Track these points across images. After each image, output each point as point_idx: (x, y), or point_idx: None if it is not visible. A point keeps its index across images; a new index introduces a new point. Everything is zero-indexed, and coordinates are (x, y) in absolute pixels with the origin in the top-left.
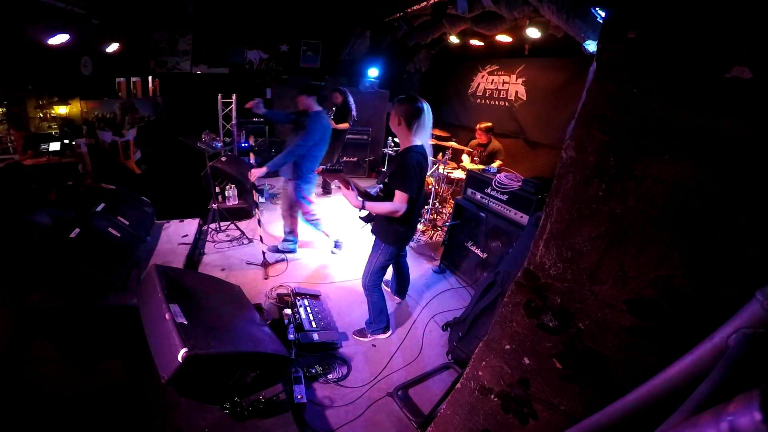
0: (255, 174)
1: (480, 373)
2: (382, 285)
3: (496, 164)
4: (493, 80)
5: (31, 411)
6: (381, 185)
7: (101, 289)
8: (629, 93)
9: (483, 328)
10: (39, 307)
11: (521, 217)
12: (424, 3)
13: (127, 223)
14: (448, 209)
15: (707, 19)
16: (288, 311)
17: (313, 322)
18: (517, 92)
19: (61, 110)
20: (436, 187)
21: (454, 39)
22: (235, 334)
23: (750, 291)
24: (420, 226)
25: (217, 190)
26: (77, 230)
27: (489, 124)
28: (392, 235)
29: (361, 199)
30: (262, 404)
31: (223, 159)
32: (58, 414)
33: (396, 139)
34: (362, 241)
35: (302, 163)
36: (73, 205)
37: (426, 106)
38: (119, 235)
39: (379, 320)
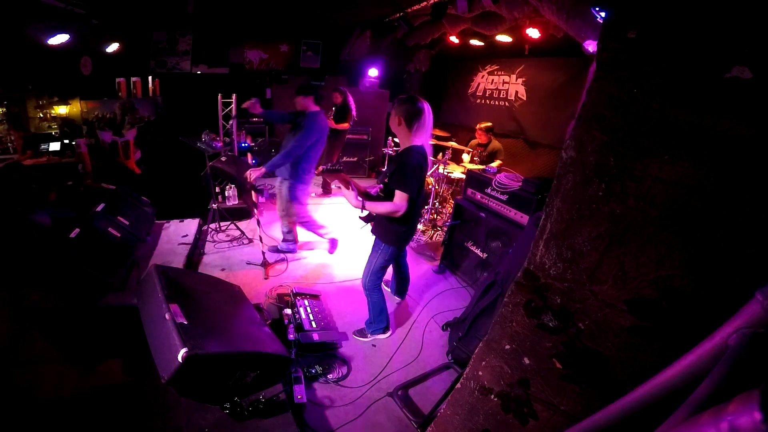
0: (253, 174)
1: (480, 373)
2: (382, 285)
3: (496, 164)
4: (493, 80)
5: (31, 411)
6: (381, 185)
7: (101, 289)
8: (629, 93)
9: (483, 328)
10: (39, 307)
11: (521, 217)
12: (424, 3)
13: (127, 223)
14: (448, 209)
15: (707, 19)
16: (288, 311)
17: (313, 322)
18: (517, 92)
19: (61, 110)
20: (436, 187)
21: (454, 39)
22: (235, 334)
23: (750, 291)
24: (420, 226)
25: (217, 190)
26: (77, 230)
27: (489, 124)
28: (392, 235)
29: (361, 199)
30: (262, 404)
31: (223, 159)
32: (57, 414)
33: (396, 139)
34: (362, 241)
35: (299, 164)
36: (73, 205)
37: (426, 106)
38: (119, 235)
39: (379, 320)
